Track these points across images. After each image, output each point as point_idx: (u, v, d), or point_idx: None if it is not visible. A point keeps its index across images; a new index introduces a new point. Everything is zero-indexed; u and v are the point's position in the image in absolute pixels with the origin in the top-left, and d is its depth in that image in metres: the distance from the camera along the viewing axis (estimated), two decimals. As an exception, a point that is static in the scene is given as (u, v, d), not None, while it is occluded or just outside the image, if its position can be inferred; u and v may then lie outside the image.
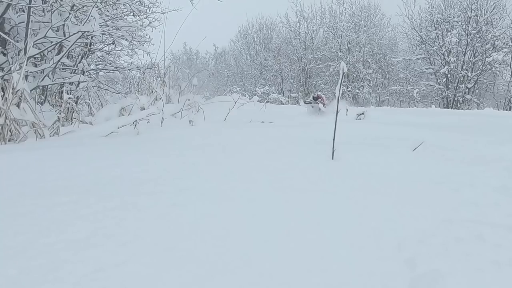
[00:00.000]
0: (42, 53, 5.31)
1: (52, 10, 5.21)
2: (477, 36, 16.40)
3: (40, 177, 2.21)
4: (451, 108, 14.61)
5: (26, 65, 4.30)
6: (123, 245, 1.34)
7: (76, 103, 5.88)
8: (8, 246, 1.30)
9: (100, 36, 6.32)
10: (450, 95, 16.73)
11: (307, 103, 8.34)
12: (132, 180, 2.15)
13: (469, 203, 1.85)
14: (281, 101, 12.43)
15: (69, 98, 4.74)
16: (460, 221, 1.62)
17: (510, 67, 15.14)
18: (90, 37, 6.02)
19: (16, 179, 2.16)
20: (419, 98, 17.40)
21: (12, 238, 1.36)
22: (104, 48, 7.15)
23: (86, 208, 1.68)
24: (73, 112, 5.02)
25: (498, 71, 16.28)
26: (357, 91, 18.74)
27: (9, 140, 3.81)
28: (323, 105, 7.73)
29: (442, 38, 17.37)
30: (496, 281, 1.16)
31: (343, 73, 2.67)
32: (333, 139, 2.71)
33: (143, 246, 1.34)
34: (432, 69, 17.80)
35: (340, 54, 19.68)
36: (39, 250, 1.27)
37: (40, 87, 5.46)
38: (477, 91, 16.92)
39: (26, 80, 4.65)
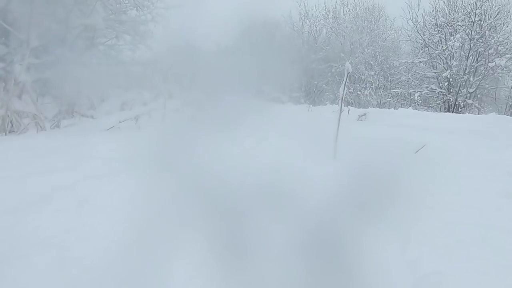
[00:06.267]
0: (44, 45, 5.28)
1: (55, 2, 5.18)
2: (480, 41, 16.37)
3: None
4: (452, 112, 14.60)
5: (28, 57, 4.28)
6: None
7: (77, 96, 5.86)
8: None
9: (103, 30, 6.29)
10: (452, 99, 16.68)
11: None
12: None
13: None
14: (282, 100, 12.46)
15: (71, 91, 4.72)
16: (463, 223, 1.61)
17: (513, 72, 15.11)
18: (93, 30, 5.99)
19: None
20: (420, 101, 17.36)
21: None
22: (106, 42, 7.12)
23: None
24: (74, 105, 4.99)
25: (501, 76, 16.20)
26: (359, 92, 18.69)
27: (9, 132, 3.80)
28: None
29: (445, 42, 17.34)
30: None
31: (348, 73, 2.66)
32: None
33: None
34: (434, 72, 17.76)
35: (343, 55, 19.67)
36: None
37: (42, 80, 5.43)
38: (478, 96, 16.87)
39: (28, 72, 4.63)
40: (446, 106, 16.83)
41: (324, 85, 19.83)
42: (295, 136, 3.60)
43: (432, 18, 17.62)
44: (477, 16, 15.66)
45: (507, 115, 13.22)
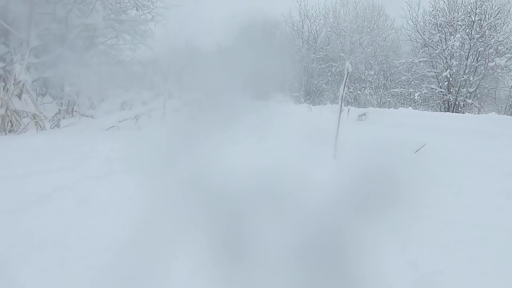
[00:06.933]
0: (44, 45, 5.28)
1: (55, 2, 5.17)
2: (480, 40, 16.37)
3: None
4: (452, 112, 14.63)
5: (28, 56, 4.28)
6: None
7: (77, 96, 5.86)
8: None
9: (103, 30, 6.29)
10: (451, 99, 16.70)
11: None
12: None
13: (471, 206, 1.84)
14: (282, 99, 12.51)
15: (70, 91, 4.73)
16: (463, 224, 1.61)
17: (513, 72, 15.12)
18: (93, 30, 5.99)
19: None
20: (420, 101, 17.39)
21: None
22: (106, 42, 7.11)
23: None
24: (74, 105, 4.99)
25: (500, 76, 16.22)
26: (359, 92, 18.72)
27: (9, 131, 3.79)
28: None
29: (445, 42, 17.35)
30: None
31: (348, 72, 2.66)
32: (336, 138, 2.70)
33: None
34: (434, 72, 17.77)
35: (343, 54, 19.70)
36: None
37: (42, 79, 5.43)
38: (478, 95, 16.89)
39: (28, 71, 4.62)
40: (446, 105, 16.85)
41: (324, 85, 19.85)
42: (294, 136, 3.60)
43: (432, 18, 17.61)
44: (477, 15, 15.67)
45: (507, 115, 13.22)
